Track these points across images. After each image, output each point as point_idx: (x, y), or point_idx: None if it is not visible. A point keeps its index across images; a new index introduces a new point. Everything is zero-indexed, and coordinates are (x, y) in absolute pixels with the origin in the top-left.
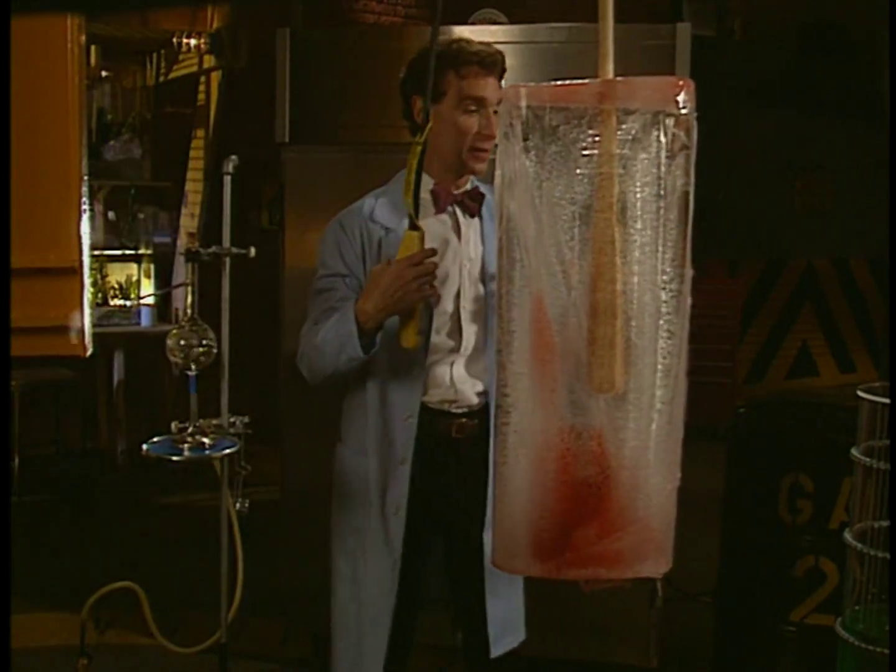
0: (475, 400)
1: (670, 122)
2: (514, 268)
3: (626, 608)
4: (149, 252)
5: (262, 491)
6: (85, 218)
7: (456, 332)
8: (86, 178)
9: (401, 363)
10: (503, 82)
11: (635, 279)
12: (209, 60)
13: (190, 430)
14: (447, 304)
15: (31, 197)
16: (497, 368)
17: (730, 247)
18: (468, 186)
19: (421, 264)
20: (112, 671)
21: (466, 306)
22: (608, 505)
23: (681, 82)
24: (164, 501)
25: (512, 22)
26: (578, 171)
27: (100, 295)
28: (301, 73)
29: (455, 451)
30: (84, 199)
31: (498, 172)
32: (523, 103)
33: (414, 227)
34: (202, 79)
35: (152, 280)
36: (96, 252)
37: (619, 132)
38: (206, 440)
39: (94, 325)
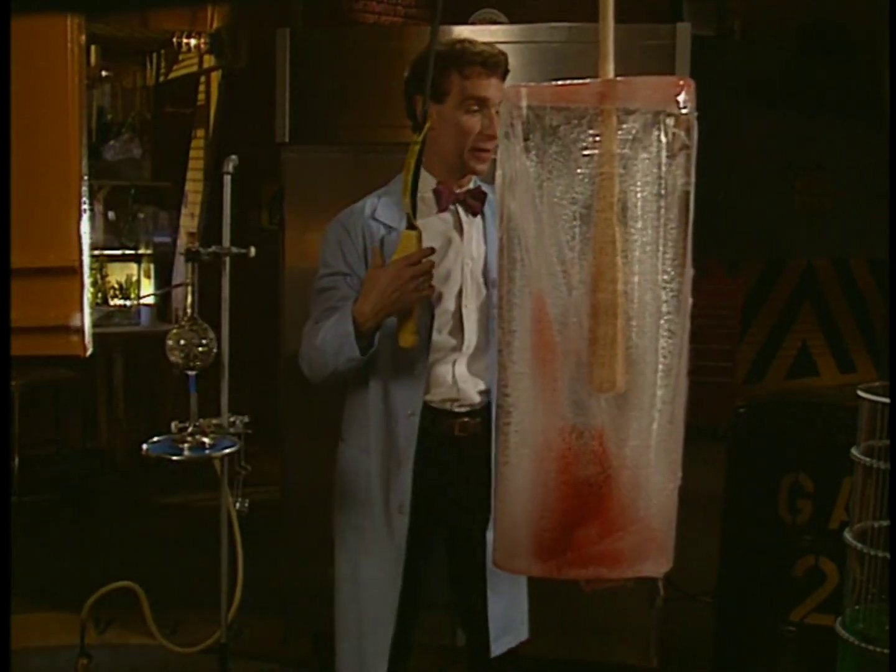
0: (477, 399)
1: (671, 121)
2: (514, 268)
3: (626, 608)
4: (149, 252)
5: (262, 491)
6: (85, 218)
7: (458, 330)
8: (86, 178)
9: (403, 362)
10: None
11: (636, 279)
12: (209, 60)
13: (190, 429)
14: (449, 303)
15: (31, 197)
16: (498, 368)
17: (730, 247)
18: (471, 185)
19: (418, 264)
20: (112, 671)
21: (468, 305)
22: (609, 504)
23: (681, 82)
24: (164, 501)
25: (512, 22)
26: (579, 170)
27: (100, 295)
28: (301, 73)
29: (457, 450)
30: (84, 199)
31: (499, 172)
32: (524, 103)
33: (411, 226)
34: (202, 79)
35: (152, 280)
36: (96, 252)
37: (619, 132)
38: (206, 440)
39: (94, 325)
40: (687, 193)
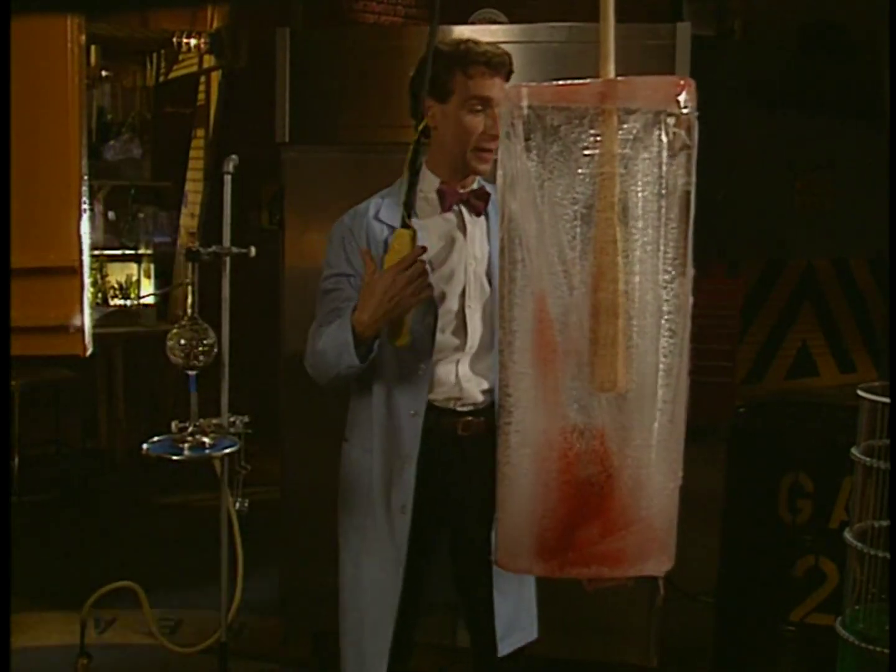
0: (480, 398)
1: (671, 121)
2: (515, 268)
3: (626, 608)
4: (149, 252)
5: (262, 491)
6: (85, 218)
7: (461, 330)
8: (86, 178)
9: (406, 362)
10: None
11: (637, 278)
12: (209, 60)
13: (190, 429)
14: (452, 303)
15: (31, 197)
16: (499, 368)
17: (730, 247)
18: (474, 186)
19: (411, 268)
20: (112, 671)
21: (472, 305)
22: (611, 504)
23: (682, 82)
24: (164, 501)
25: (512, 22)
26: (580, 170)
27: (100, 295)
28: (301, 73)
29: (461, 450)
30: (84, 199)
31: (500, 172)
32: (525, 103)
33: (406, 225)
34: (202, 79)
35: (152, 280)
36: (96, 252)
37: (620, 132)
38: (206, 440)
39: (94, 325)
40: (687, 193)
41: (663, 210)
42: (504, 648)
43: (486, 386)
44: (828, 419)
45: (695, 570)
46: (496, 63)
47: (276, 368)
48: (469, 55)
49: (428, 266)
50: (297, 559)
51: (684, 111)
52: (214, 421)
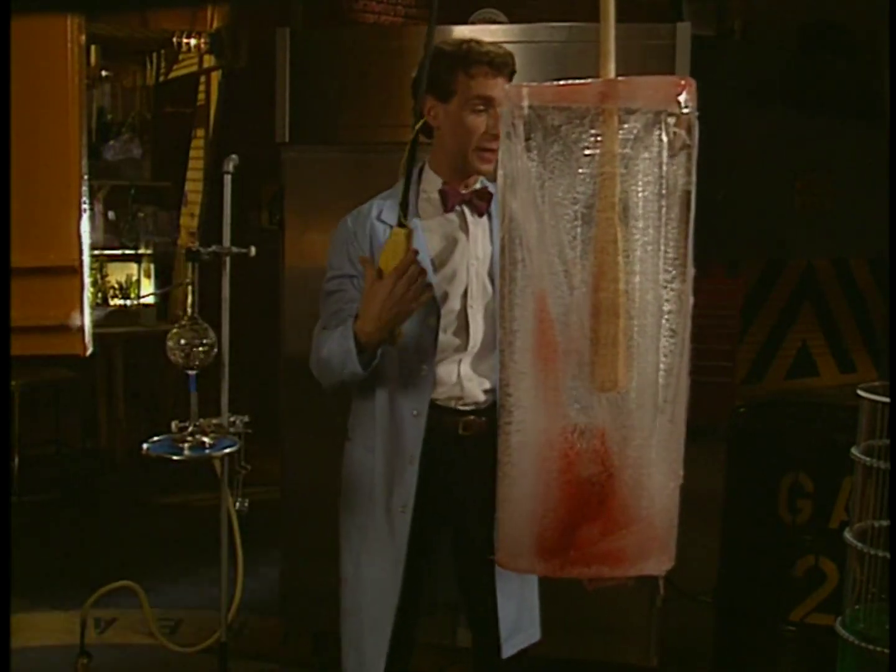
0: (482, 397)
1: (672, 121)
2: (516, 267)
3: (626, 608)
4: (149, 252)
5: (262, 491)
6: (85, 218)
7: (463, 330)
8: (86, 178)
9: (409, 362)
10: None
11: (637, 278)
12: (209, 60)
13: (190, 429)
14: (454, 303)
15: (31, 197)
16: (500, 368)
17: (730, 247)
18: (477, 186)
19: (407, 273)
20: (112, 671)
21: (474, 305)
22: (611, 503)
23: (682, 81)
24: (164, 501)
25: (512, 21)
26: (580, 170)
27: (100, 295)
28: (301, 73)
29: (462, 449)
30: (84, 198)
31: (500, 172)
32: (525, 103)
33: (401, 224)
34: (202, 79)
35: (152, 280)
36: (96, 252)
37: (620, 131)
38: (206, 439)
39: (94, 325)
40: (688, 193)
41: (664, 210)
42: (508, 650)
43: (487, 385)
44: (828, 419)
45: (695, 570)
46: (499, 63)
47: (276, 368)
48: (471, 55)
49: (430, 265)
50: (297, 559)
51: (685, 111)
52: (214, 421)
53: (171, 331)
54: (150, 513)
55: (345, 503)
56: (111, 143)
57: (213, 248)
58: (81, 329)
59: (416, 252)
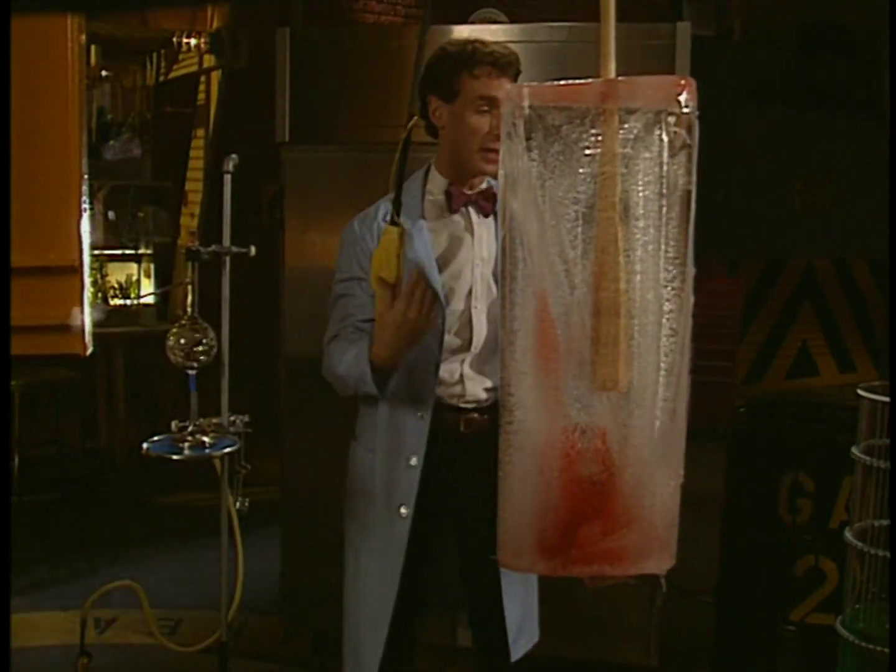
0: (484, 395)
1: (672, 120)
2: (517, 267)
3: (626, 607)
4: (149, 252)
5: (262, 490)
6: (85, 218)
7: (466, 330)
8: (86, 178)
9: (414, 363)
10: None
11: (638, 277)
12: (209, 60)
13: (190, 428)
14: (458, 304)
15: (31, 197)
16: (501, 367)
17: (730, 247)
18: (483, 186)
19: (414, 298)
20: (112, 671)
21: (478, 306)
22: (612, 502)
23: (682, 81)
24: (164, 501)
25: (512, 21)
26: (581, 170)
27: (100, 295)
28: (301, 73)
29: (463, 447)
30: (84, 199)
31: (501, 172)
32: (526, 103)
33: (395, 222)
34: (202, 79)
35: (152, 280)
36: (96, 252)
37: (621, 131)
38: (206, 439)
39: (94, 325)
40: (688, 192)
41: (664, 209)
42: (516, 652)
43: (489, 384)
44: (828, 419)
45: (695, 570)
46: (503, 63)
47: (276, 368)
48: (476, 55)
49: (435, 266)
50: (297, 559)
51: (685, 111)
52: (214, 420)
53: (171, 331)
54: (150, 513)
55: (347, 501)
56: (111, 143)
57: (213, 247)
58: (81, 329)
59: (423, 274)
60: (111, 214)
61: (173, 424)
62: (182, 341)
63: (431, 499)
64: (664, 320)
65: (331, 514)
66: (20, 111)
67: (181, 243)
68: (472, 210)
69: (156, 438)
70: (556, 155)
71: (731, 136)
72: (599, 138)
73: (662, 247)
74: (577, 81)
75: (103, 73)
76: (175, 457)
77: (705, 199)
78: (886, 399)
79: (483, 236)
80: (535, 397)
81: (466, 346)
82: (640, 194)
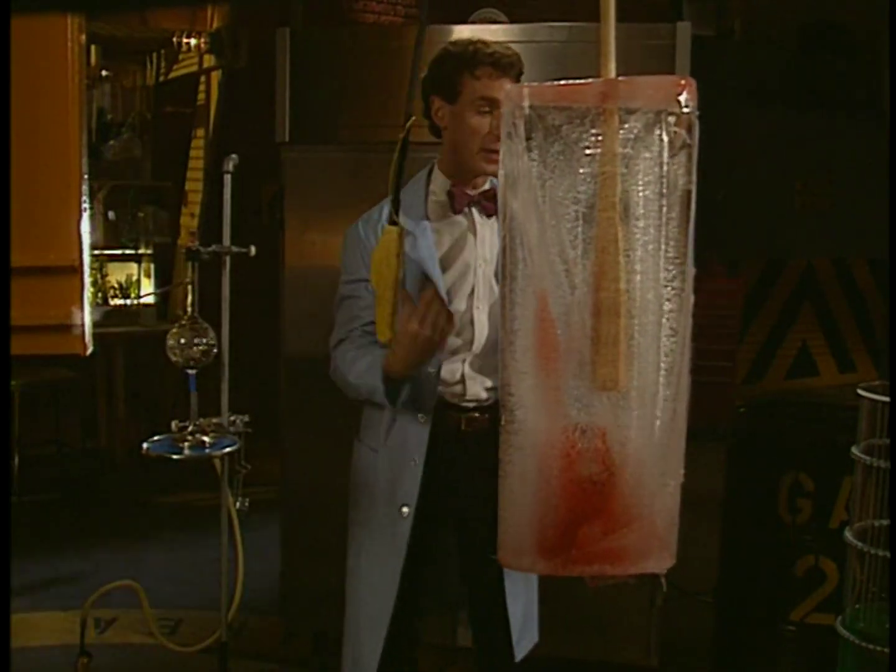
0: (484, 395)
1: (672, 120)
2: (517, 267)
3: (626, 607)
4: (149, 252)
5: (262, 490)
6: (85, 218)
7: (468, 330)
8: (86, 178)
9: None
10: None
11: (638, 277)
12: (209, 60)
13: (190, 428)
14: (460, 304)
15: (31, 197)
16: (500, 367)
17: (730, 247)
18: (486, 186)
19: (429, 316)
20: (112, 671)
21: (480, 306)
22: (613, 502)
23: (682, 81)
24: (164, 501)
25: (512, 21)
26: (581, 170)
27: (100, 295)
28: (301, 73)
29: (464, 446)
30: (84, 199)
31: (501, 172)
32: (526, 103)
33: (393, 222)
34: (202, 79)
35: (152, 280)
36: (96, 252)
37: (621, 131)
38: (206, 439)
39: (94, 325)
40: (688, 192)
41: (664, 209)
42: (519, 652)
43: (489, 384)
44: (828, 419)
45: (695, 570)
46: (504, 64)
47: (276, 368)
48: (477, 56)
49: (438, 266)
50: (297, 559)
51: (685, 110)
52: (214, 420)
53: (171, 330)
54: (150, 513)
55: (351, 500)
56: (111, 143)
57: (213, 247)
58: (81, 329)
59: (435, 292)
60: (111, 214)
61: (173, 424)
62: (182, 341)
63: (432, 498)
64: (664, 320)
65: (331, 514)
66: (20, 111)
67: (181, 243)
68: (475, 210)
69: (156, 438)
70: (556, 155)
71: (731, 136)
72: (599, 138)
73: (662, 246)
74: (577, 81)
75: (103, 73)
76: (175, 457)
77: (705, 199)
78: (886, 399)
79: (486, 236)
80: (535, 397)
81: (468, 346)
82: (640, 194)
